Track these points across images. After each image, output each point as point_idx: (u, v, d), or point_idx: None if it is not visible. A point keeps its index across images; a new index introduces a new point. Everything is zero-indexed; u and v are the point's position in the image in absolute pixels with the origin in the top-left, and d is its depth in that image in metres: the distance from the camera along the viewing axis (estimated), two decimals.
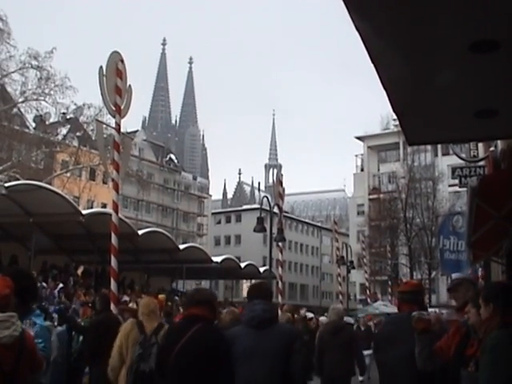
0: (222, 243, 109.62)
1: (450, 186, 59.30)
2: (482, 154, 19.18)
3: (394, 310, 35.85)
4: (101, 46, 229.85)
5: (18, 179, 36.66)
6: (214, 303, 6.78)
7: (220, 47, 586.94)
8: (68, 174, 52.60)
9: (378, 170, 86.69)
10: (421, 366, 6.28)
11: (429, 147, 71.05)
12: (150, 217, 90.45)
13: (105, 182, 67.22)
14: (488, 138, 12.69)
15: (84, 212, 29.34)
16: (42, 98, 45.30)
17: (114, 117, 14.48)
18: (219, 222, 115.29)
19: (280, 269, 24.82)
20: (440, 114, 6.83)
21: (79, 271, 35.84)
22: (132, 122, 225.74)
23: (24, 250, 29.65)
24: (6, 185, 25.71)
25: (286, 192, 27.18)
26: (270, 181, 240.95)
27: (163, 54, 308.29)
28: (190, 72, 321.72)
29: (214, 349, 6.18)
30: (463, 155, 20.24)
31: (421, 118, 6.95)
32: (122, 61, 14.56)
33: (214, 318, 6.75)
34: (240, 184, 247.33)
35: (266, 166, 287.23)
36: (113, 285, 13.43)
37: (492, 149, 16.58)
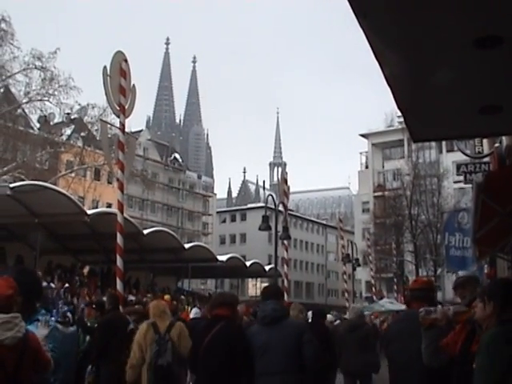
0: (228, 242, 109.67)
1: (454, 182, 59.23)
2: (486, 150, 19.15)
3: (399, 307, 35.90)
4: (104, 46, 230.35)
5: (22, 180, 36.68)
6: (236, 305, 8.01)
7: (223, 46, 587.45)
8: (73, 174, 52.57)
9: (383, 167, 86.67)
10: (427, 361, 6.31)
11: (433, 144, 70.97)
12: (155, 216, 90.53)
13: (110, 182, 67.21)
14: (493, 134, 12.69)
15: (89, 212, 29.36)
16: (46, 98, 45.29)
17: (118, 116, 14.52)
18: (224, 221, 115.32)
19: (285, 267, 24.83)
20: (444, 110, 6.82)
21: (85, 271, 35.88)
22: (136, 121, 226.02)
23: (29, 250, 29.67)
24: (11, 185, 25.73)
25: (291, 190, 27.15)
26: (275, 179, 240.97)
27: (167, 54, 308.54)
28: (194, 71, 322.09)
29: (235, 344, 7.21)
30: (468, 151, 20.23)
31: (425, 115, 6.94)
32: (126, 60, 14.59)
33: (235, 318, 7.84)
34: (245, 182, 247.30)
35: (270, 164, 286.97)
36: (119, 284, 13.46)
37: (497, 145, 16.58)
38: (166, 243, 37.12)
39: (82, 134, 54.59)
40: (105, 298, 13.58)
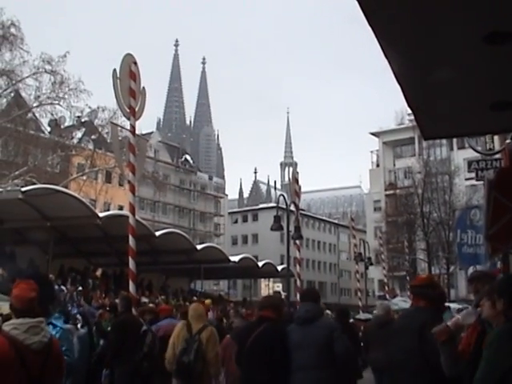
0: (240, 242, 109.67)
1: (466, 179, 59.11)
2: (497, 147, 19.07)
3: None
4: (114, 48, 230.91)
5: (34, 184, 36.76)
6: (279, 307, 8.81)
7: (233, 46, 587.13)
8: (84, 177, 52.66)
9: (394, 165, 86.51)
10: (447, 373, 6.34)
11: (444, 141, 70.87)
12: (167, 218, 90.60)
13: (121, 185, 67.30)
14: (504, 131, 12.63)
15: (101, 215, 29.44)
16: (57, 102, 45.34)
17: (128, 119, 14.51)
18: (236, 222, 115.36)
19: (298, 267, 24.82)
20: (455, 107, 6.81)
21: (97, 274, 35.97)
22: (146, 123, 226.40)
23: (42, 253, 29.78)
24: (23, 189, 25.84)
25: (302, 190, 27.13)
26: (286, 179, 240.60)
27: (176, 55, 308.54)
28: (204, 72, 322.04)
29: (275, 344, 8.02)
30: (479, 148, 20.15)
31: (436, 113, 6.93)
32: (136, 63, 14.60)
33: (278, 319, 8.47)
34: (256, 183, 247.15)
35: (281, 164, 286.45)
36: (131, 286, 13.47)
37: (508, 141, 16.50)
38: (178, 245, 37.19)
39: (93, 136, 54.75)
40: (117, 301, 13.60)
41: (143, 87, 14.97)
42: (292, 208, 26.58)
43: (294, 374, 7.86)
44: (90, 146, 53.74)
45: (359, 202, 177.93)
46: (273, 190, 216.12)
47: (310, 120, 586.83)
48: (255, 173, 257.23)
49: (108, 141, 48.46)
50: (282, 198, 29.45)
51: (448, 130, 8.23)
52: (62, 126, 51.83)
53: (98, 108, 48.84)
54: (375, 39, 4.76)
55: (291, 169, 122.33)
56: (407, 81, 5.68)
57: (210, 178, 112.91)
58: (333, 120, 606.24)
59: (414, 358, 6.85)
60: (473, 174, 19.81)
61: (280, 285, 76.81)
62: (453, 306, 16.76)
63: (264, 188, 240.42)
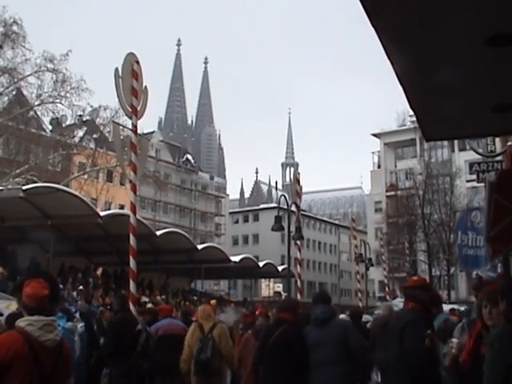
0: (240, 243, 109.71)
1: (467, 181, 59.23)
2: (499, 149, 19.08)
3: None
4: (116, 47, 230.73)
5: (35, 182, 36.76)
6: (296, 310, 9.57)
7: (235, 47, 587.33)
8: (85, 176, 52.58)
9: (395, 166, 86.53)
10: None
11: (445, 143, 70.96)
12: (168, 217, 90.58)
13: (122, 184, 67.27)
14: (506, 133, 12.63)
15: (102, 214, 29.44)
16: (58, 100, 45.28)
17: (130, 118, 14.52)
18: (237, 222, 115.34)
19: (298, 267, 24.80)
20: (457, 109, 6.81)
21: (98, 273, 35.95)
22: (148, 122, 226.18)
23: (42, 252, 29.77)
24: (24, 188, 25.85)
25: (303, 190, 27.09)
26: (287, 179, 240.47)
27: (178, 55, 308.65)
28: (206, 72, 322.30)
29: (294, 344, 8.78)
30: (480, 150, 20.14)
31: (438, 114, 6.93)
32: (138, 62, 14.60)
33: (296, 320, 9.22)
34: (257, 183, 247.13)
35: (282, 164, 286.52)
36: (132, 286, 13.48)
37: (510, 143, 16.52)
38: (179, 244, 37.21)
39: (95, 135, 54.70)
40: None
41: (145, 86, 14.97)
42: (293, 208, 26.56)
43: (313, 370, 8.61)
44: (92, 145, 53.69)
45: (360, 202, 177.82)
46: (274, 191, 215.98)
47: (312, 120, 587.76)
48: (256, 173, 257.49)
49: (110, 140, 48.46)
50: (283, 198, 29.46)
51: (450, 131, 8.24)
52: (64, 125, 51.77)
53: (100, 107, 48.80)
54: (378, 40, 4.76)
55: (292, 169, 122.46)
56: (409, 82, 5.68)
57: (212, 178, 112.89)
58: (334, 121, 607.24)
59: (397, 358, 7.40)
60: (474, 176, 19.80)
61: (280, 285, 76.82)
62: (445, 307, 16.73)
63: (265, 188, 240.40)
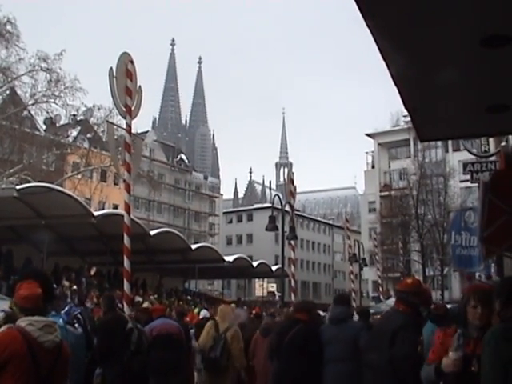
0: (234, 242, 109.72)
1: (461, 181, 59.26)
2: (493, 149, 19.11)
3: None
4: (110, 47, 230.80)
5: (29, 182, 36.73)
6: (311, 310, 10.35)
7: (229, 46, 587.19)
8: (79, 176, 52.55)
9: (389, 166, 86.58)
10: None
11: (439, 143, 70.97)
12: (162, 217, 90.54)
13: (116, 183, 67.30)
14: (500, 133, 12.69)
15: (96, 213, 29.40)
16: (52, 100, 45.24)
17: (124, 118, 14.47)
18: (231, 222, 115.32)
19: (292, 267, 24.77)
20: (451, 109, 6.82)
21: (92, 272, 35.92)
22: (142, 122, 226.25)
23: (36, 252, 29.72)
24: (18, 187, 25.82)
25: (297, 190, 27.07)
26: (281, 179, 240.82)
27: (172, 55, 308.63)
28: (200, 72, 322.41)
29: (310, 341, 9.50)
30: (474, 150, 20.18)
31: (432, 115, 6.94)
32: (132, 62, 14.55)
33: (310, 320, 9.97)
34: (251, 183, 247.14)
35: (276, 164, 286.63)
36: (126, 286, 13.45)
37: (503, 144, 16.55)
38: (173, 244, 37.21)
39: (88, 135, 54.69)
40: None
41: (139, 86, 14.94)
42: (287, 208, 26.55)
43: (326, 365, 9.31)
44: (86, 145, 53.70)
45: (354, 203, 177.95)
46: (268, 191, 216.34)
47: (306, 121, 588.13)
48: (250, 173, 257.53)
49: (103, 139, 48.45)
50: (276, 198, 29.46)
51: (444, 131, 8.25)
52: (58, 125, 51.73)
53: (94, 106, 48.81)
54: (373, 40, 4.76)
55: (286, 169, 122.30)
56: (404, 82, 5.69)
57: (205, 178, 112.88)
58: (328, 121, 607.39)
59: (384, 359, 7.44)
60: (467, 176, 19.83)
61: (274, 285, 76.85)
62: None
63: (259, 188, 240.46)
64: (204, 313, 17.18)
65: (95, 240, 32.85)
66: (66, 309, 12.60)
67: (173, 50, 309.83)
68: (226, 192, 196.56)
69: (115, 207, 60.23)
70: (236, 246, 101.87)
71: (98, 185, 56.79)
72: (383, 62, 5.12)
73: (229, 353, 11.89)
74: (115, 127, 20.56)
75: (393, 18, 4.62)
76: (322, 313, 22.42)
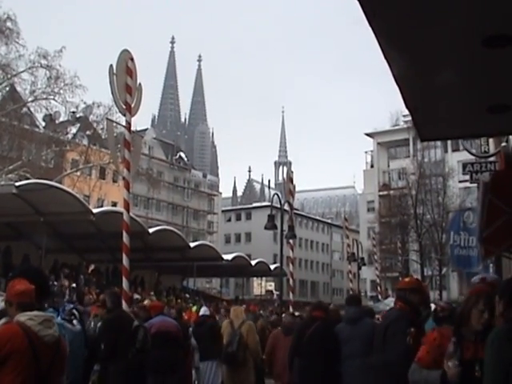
0: (233, 241, 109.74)
1: (460, 181, 59.25)
2: (492, 150, 19.12)
3: None
4: (110, 44, 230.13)
5: (28, 178, 36.70)
6: (327, 309, 11.27)
7: (229, 45, 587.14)
8: (78, 173, 52.61)
9: (388, 166, 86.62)
10: None
11: (438, 143, 70.99)
12: (161, 215, 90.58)
13: (115, 181, 67.33)
14: (501, 133, 12.69)
15: (95, 211, 29.35)
16: (52, 97, 45.31)
17: (124, 115, 14.45)
18: (229, 220, 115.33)
19: (291, 266, 24.77)
20: (453, 109, 6.82)
21: (90, 269, 35.90)
22: (141, 120, 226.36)
23: (35, 249, 29.70)
24: (17, 184, 25.75)
25: (296, 189, 27.04)
26: (280, 178, 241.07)
27: (172, 53, 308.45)
28: (199, 70, 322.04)
29: (327, 337, 10.08)
30: (474, 151, 20.19)
31: (434, 114, 6.94)
32: (132, 59, 14.53)
33: (327, 318, 10.77)
34: (250, 181, 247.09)
35: (275, 163, 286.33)
36: (124, 283, 13.43)
37: (504, 144, 16.55)
38: (172, 242, 37.16)
39: (88, 132, 54.64)
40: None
41: (139, 83, 14.93)
42: (286, 207, 26.53)
43: (344, 361, 9.80)
44: (85, 142, 53.74)
45: (353, 202, 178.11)
46: (266, 189, 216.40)
47: (305, 120, 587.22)
48: (249, 171, 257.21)
49: (103, 137, 48.46)
50: (275, 197, 29.44)
51: (445, 131, 8.25)
52: (57, 122, 51.79)
53: (93, 104, 48.92)
54: (375, 40, 4.75)
55: (285, 168, 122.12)
56: (406, 82, 5.68)
57: (204, 176, 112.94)
58: (328, 120, 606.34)
59: (371, 355, 8.27)
60: (467, 177, 19.85)
61: (272, 284, 76.85)
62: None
63: (258, 187, 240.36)
64: (204, 310, 17.09)
65: (94, 237, 32.80)
66: (63, 306, 12.61)
67: (173, 47, 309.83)
68: (225, 190, 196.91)
69: (114, 205, 60.27)
70: (234, 245, 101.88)
71: (96, 182, 56.76)
72: (385, 62, 5.12)
73: (245, 346, 13.04)
74: (115, 124, 20.56)
75: (395, 19, 4.62)
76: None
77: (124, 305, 12.68)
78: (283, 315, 24.29)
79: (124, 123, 14.67)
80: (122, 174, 14.54)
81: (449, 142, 69.51)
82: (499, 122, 7.20)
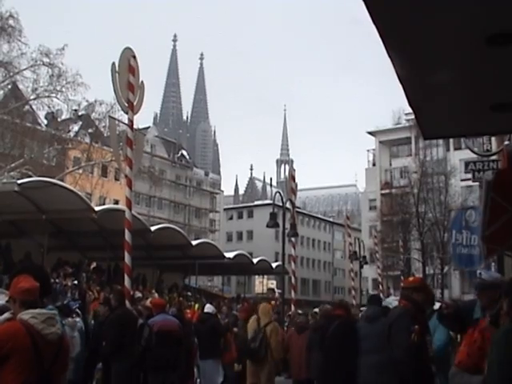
0: (234, 239, 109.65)
1: (462, 180, 59.19)
2: (495, 148, 19.07)
3: None
4: (112, 42, 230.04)
5: (30, 176, 36.71)
6: (348, 307, 12.01)
7: (231, 43, 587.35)
8: (80, 171, 52.65)
9: (390, 164, 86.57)
10: None
11: (441, 141, 70.95)
12: (162, 213, 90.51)
13: (117, 179, 67.39)
14: (504, 132, 12.66)
15: (96, 209, 29.32)
16: (54, 94, 45.28)
17: (126, 113, 14.45)
18: (231, 218, 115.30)
19: (293, 264, 24.79)
20: (456, 107, 6.80)
21: (91, 267, 35.88)
22: (143, 118, 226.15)
23: (37, 246, 29.68)
24: (19, 182, 25.74)
25: (298, 187, 27.04)
26: (282, 176, 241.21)
27: (174, 51, 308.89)
28: (201, 68, 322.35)
29: (349, 335, 10.40)
30: (476, 149, 20.15)
31: (437, 113, 6.92)
32: (135, 57, 14.53)
33: (348, 316, 11.48)
34: (252, 180, 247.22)
35: (277, 161, 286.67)
36: (126, 281, 13.42)
37: (506, 143, 16.51)
38: (173, 240, 37.13)
39: (90, 130, 54.58)
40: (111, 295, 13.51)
41: (142, 81, 14.92)
42: (288, 205, 26.54)
43: (362, 356, 10.05)
44: (87, 140, 53.68)
45: (355, 200, 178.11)
46: (268, 187, 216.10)
47: (307, 118, 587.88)
48: (251, 169, 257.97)
49: (105, 135, 48.47)
50: (277, 195, 29.44)
51: (448, 130, 8.24)
52: (59, 119, 51.79)
53: (96, 102, 48.87)
54: (379, 39, 4.74)
55: (287, 166, 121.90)
56: (409, 80, 5.67)
57: (206, 174, 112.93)
58: (330, 118, 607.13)
59: (385, 352, 8.64)
60: (469, 175, 19.83)
61: (274, 282, 76.90)
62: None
63: (260, 185, 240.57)
64: (208, 307, 17.09)
65: (95, 235, 32.75)
66: (65, 303, 12.62)
67: (175, 45, 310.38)
68: (227, 188, 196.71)
69: (116, 202, 60.34)
70: (236, 243, 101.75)
71: (98, 180, 56.87)
72: (388, 61, 5.11)
73: (267, 345, 13.51)
74: (117, 122, 20.57)
75: (399, 18, 4.60)
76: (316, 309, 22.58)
77: (126, 303, 12.70)
78: (289, 313, 24.37)
79: (126, 121, 14.69)
80: (124, 172, 14.56)
81: (451, 140, 69.49)
82: (502, 120, 7.19)
